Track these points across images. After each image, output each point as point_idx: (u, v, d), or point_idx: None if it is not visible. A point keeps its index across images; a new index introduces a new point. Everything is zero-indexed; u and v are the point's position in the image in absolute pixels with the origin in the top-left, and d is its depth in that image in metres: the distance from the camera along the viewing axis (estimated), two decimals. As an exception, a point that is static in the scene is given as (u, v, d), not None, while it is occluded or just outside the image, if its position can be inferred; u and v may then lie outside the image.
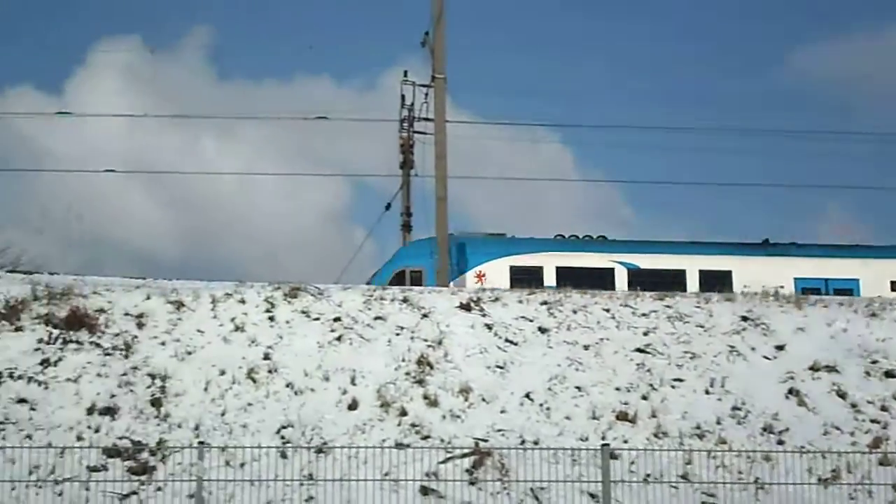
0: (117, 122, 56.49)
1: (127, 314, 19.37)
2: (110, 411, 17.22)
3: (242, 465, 16.16)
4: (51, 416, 17.00)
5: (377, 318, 20.15)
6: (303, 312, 20.11)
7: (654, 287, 22.69)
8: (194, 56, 73.33)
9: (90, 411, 17.16)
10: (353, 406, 17.87)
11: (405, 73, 35.93)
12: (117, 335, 18.81)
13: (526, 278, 27.36)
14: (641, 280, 26.96)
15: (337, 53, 75.70)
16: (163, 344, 18.80)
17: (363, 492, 15.76)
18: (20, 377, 17.65)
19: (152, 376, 18.01)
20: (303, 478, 16.05)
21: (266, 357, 18.77)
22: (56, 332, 18.64)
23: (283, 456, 16.50)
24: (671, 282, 26.71)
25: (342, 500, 15.71)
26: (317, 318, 19.96)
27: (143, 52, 65.13)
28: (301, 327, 19.68)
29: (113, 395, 17.51)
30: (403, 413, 17.82)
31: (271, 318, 19.82)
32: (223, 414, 17.45)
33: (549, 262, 28.92)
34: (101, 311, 19.28)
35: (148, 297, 19.89)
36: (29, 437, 16.56)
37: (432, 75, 29.84)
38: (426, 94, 33.42)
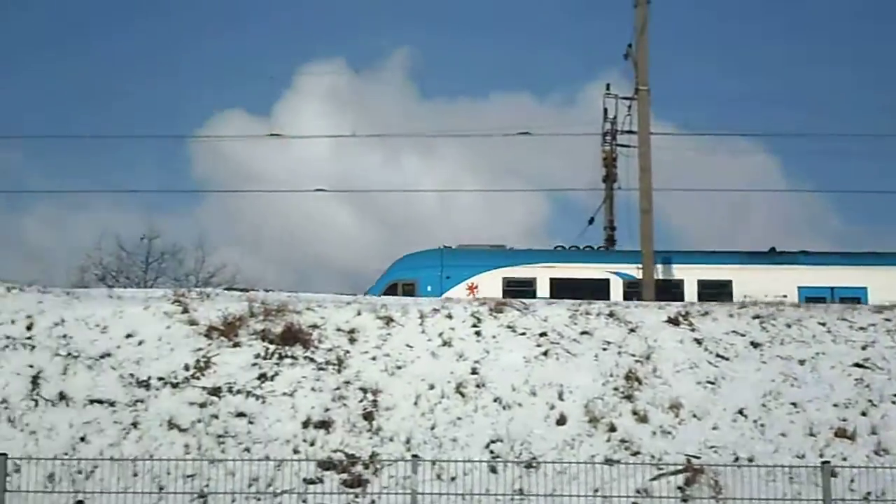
0: (324, 143, 58.10)
1: (339, 329, 19.79)
2: (325, 425, 17.61)
3: (453, 478, 16.29)
4: (268, 429, 17.51)
5: (583, 332, 20.04)
6: (508, 327, 20.16)
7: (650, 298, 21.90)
8: (396, 76, 74.67)
9: (305, 425, 17.60)
10: (561, 421, 17.81)
11: (608, 87, 35.81)
12: (330, 350, 19.24)
13: (519, 290, 26.93)
14: (638, 291, 26.33)
15: (536, 70, 75.95)
16: (374, 359, 19.13)
17: (573, 507, 15.71)
18: (239, 391, 18.24)
19: (364, 390, 18.35)
20: (513, 492, 16.07)
21: (474, 372, 18.89)
22: (272, 347, 19.19)
23: (493, 470, 16.57)
24: (668, 292, 25.97)
25: (553, 516, 15.67)
26: (522, 333, 19.97)
27: (347, 74, 66.71)
28: (507, 342, 19.73)
29: (327, 409, 17.91)
30: (612, 429, 17.65)
31: (478, 333, 19.94)
32: (433, 428, 17.64)
33: (543, 274, 28.64)
34: (315, 326, 19.76)
35: (358, 313, 20.28)
36: (247, 450, 17.09)
37: (636, 88, 29.55)
38: (629, 107, 33.15)
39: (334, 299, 21.46)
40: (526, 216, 64.77)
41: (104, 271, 42.51)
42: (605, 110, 36.37)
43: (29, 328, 19.32)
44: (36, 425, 17.39)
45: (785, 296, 26.09)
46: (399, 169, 63.15)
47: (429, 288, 27.90)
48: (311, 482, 16.35)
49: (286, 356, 19.04)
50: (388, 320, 20.12)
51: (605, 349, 19.53)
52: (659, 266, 28.64)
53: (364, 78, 78.81)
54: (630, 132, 33.54)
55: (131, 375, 18.42)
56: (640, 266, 28.20)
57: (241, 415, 17.75)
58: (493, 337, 19.83)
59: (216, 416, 17.70)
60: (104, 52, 72.11)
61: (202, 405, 17.91)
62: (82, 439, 17.16)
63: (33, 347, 18.87)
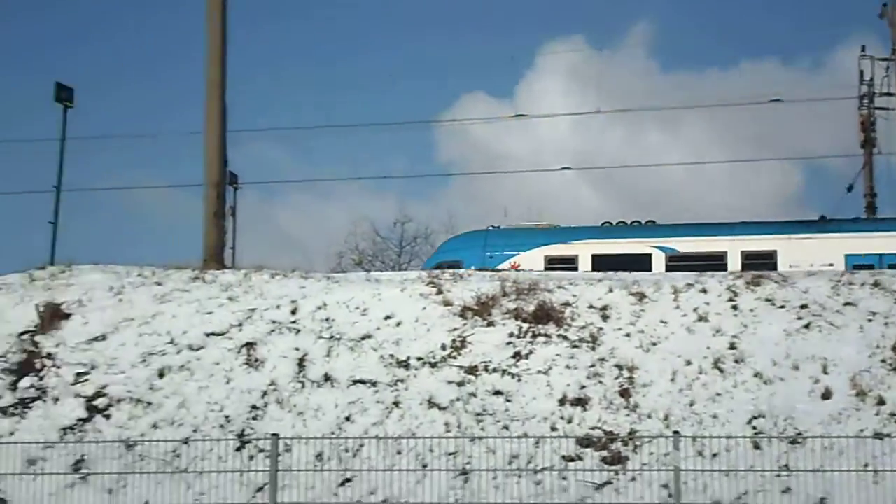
0: (567, 121, 58.03)
1: (591, 307, 19.71)
2: (581, 402, 17.61)
3: (715, 455, 16.02)
4: (525, 407, 17.64)
5: (847, 303, 19.29)
6: (767, 300, 19.61)
7: (692, 270, 21.36)
8: (636, 51, 73.81)
9: (562, 402, 17.64)
10: (826, 395, 17.23)
11: (863, 49, 34.37)
12: (583, 328, 19.19)
13: (561, 267, 26.51)
14: (680, 264, 25.84)
15: (783, 36, 73.56)
16: (627, 335, 18.97)
17: (842, 483, 15.20)
18: (495, 370, 18.43)
19: (619, 367, 18.24)
20: (779, 468, 15.68)
21: (731, 346, 18.49)
22: (525, 325, 19.30)
23: (756, 446, 16.21)
24: (711, 264, 24.96)
25: (820, 492, 15.20)
26: (782, 306, 19.39)
27: (587, 52, 66.41)
28: (766, 315, 19.19)
29: (582, 387, 17.89)
30: (881, 402, 16.97)
31: (734, 307, 19.48)
32: (692, 404, 17.37)
33: (585, 251, 28.43)
34: (567, 304, 19.75)
35: (610, 290, 20.14)
36: (506, 427, 17.26)
37: (893, 48, 28.27)
38: (887, 68, 31.76)
39: (585, 277, 21.40)
40: (777, 186, 63.01)
41: (361, 256, 43.84)
42: (861, 73, 34.88)
43: (293, 312, 20.07)
44: (303, 406, 18.07)
45: (831, 264, 25.44)
46: (644, 144, 62.48)
47: (472, 268, 27.91)
48: (571, 459, 16.40)
49: (539, 334, 19.11)
50: (641, 296, 19.90)
51: (870, 320, 18.76)
52: (701, 239, 28.23)
53: (605, 54, 78.25)
54: (888, 94, 32.19)
55: (391, 356, 18.89)
56: (682, 239, 28.07)
57: (497, 393, 17.95)
58: (751, 310, 19.34)
59: (474, 395, 17.95)
60: (352, 41, 74.17)
61: (460, 384, 18.20)
62: (347, 419, 17.73)
63: (298, 331, 19.60)
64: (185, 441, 17.28)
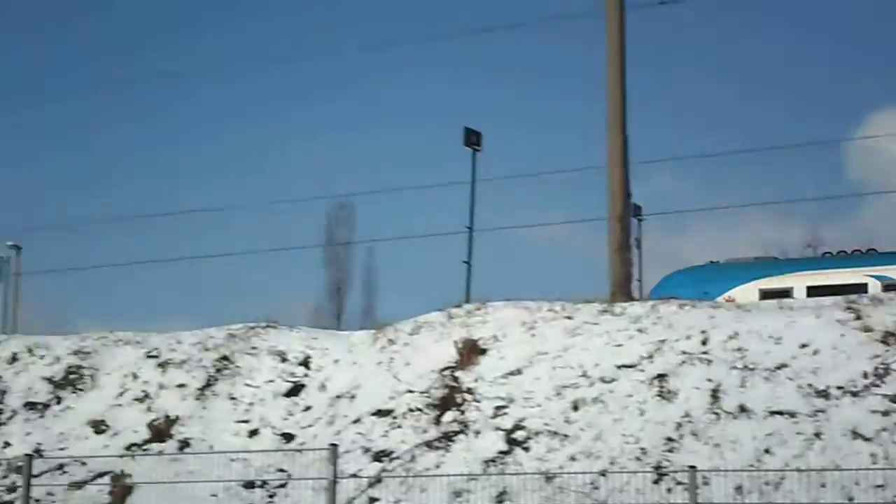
0: None
1: None
2: None
3: None
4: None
5: None
6: None
7: None
8: None
9: None
10: None
11: None
12: None
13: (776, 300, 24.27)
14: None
15: None
16: None
17: None
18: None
19: None
20: None
21: None
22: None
23: None
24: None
25: None
26: None
27: None
28: None
29: None
30: None
31: None
32: None
33: (800, 282, 27.83)
34: None
35: None
36: (939, 459, 16.25)
37: None
38: None
39: None
40: None
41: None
42: None
43: (704, 343, 19.81)
44: (719, 438, 17.78)
45: None
46: None
47: None
48: None
49: None
50: None
51: None
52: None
53: None
54: None
55: (809, 385, 18.23)
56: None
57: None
58: None
59: (902, 425, 17.02)
60: (750, 63, 72.74)
61: (885, 413, 17.31)
62: (766, 451, 17.27)
63: (710, 361, 19.33)
64: (603, 473, 17.46)
